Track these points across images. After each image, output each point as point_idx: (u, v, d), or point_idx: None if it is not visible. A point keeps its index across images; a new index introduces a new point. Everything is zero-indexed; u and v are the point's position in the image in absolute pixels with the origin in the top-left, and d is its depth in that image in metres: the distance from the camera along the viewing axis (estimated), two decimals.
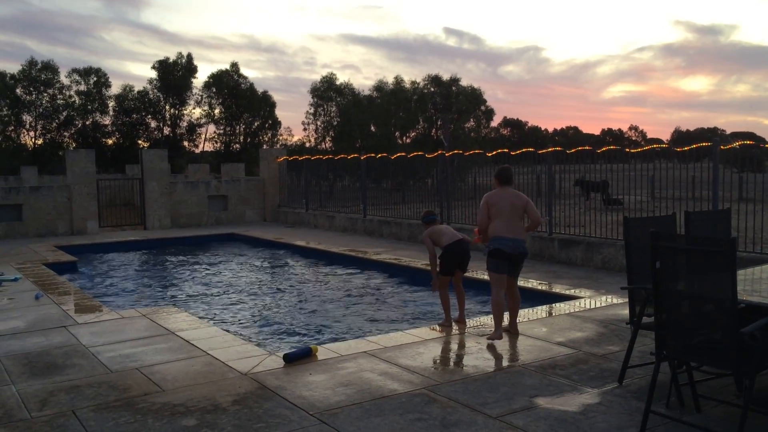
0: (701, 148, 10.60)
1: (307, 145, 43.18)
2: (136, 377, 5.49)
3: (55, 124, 43.41)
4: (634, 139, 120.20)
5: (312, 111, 42.67)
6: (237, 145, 46.08)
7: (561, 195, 13.34)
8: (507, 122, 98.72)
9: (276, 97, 62.50)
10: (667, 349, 4.27)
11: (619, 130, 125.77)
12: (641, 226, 5.36)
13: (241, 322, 8.70)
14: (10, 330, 7.19)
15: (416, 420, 4.47)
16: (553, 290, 9.01)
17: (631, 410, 4.58)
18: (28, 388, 5.27)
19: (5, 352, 6.32)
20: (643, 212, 12.52)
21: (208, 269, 13.44)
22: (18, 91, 42.12)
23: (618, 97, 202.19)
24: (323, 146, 41.91)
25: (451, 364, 5.80)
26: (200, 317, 8.23)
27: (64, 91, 43.41)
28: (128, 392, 5.12)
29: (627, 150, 12.45)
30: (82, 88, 43.85)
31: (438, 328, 7.10)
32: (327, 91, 41.84)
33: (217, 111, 46.03)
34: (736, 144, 11.14)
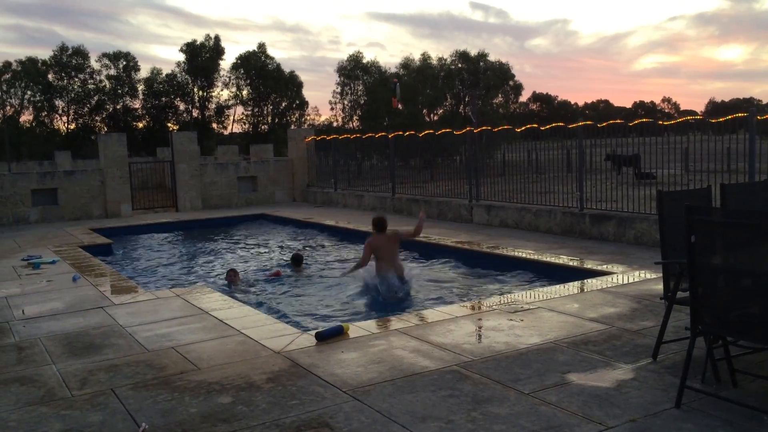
0: (737, 119, 10.34)
1: (335, 124, 43.23)
2: (173, 356, 5.59)
3: (86, 109, 44.09)
4: (667, 111, 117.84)
5: (339, 90, 42.62)
6: (265, 126, 46.32)
7: (592, 170, 13.15)
8: (536, 97, 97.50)
9: (302, 77, 62.70)
10: (703, 324, 4.21)
11: (652, 102, 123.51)
12: (675, 199, 5.26)
13: (274, 300, 8.80)
14: (49, 311, 7.38)
15: (448, 396, 4.49)
16: (585, 266, 8.92)
17: (666, 385, 4.53)
18: (69, 367, 5.41)
19: (46, 332, 6.48)
20: (677, 186, 12.30)
21: (240, 249, 13.60)
22: (50, 76, 42.79)
23: (650, 69, 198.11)
24: (351, 125, 41.89)
25: (483, 340, 5.80)
26: (233, 296, 8.33)
27: (94, 76, 44.00)
28: (165, 371, 5.23)
29: (660, 122, 12.19)
30: (112, 72, 44.38)
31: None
32: (353, 70, 41.70)
33: (244, 92, 46.27)
34: None
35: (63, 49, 43.05)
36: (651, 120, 12.35)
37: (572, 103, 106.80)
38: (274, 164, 21.61)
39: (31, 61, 42.14)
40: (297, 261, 10.92)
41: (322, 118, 47.45)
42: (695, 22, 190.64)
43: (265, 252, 13.17)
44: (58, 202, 17.67)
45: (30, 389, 4.94)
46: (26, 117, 43.39)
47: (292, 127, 42.33)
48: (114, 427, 4.20)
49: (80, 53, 43.28)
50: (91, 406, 4.57)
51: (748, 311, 4.02)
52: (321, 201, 20.25)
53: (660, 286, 6.19)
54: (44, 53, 74.11)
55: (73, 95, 43.48)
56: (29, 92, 42.52)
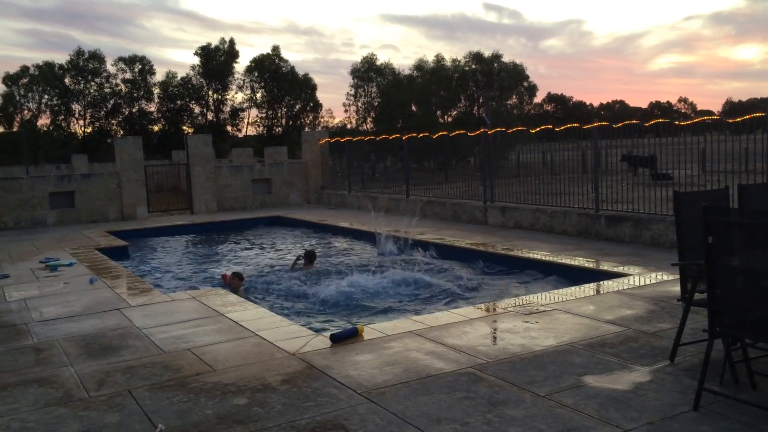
0: (754, 119, 10.24)
1: (349, 126, 43.36)
2: (188, 358, 5.62)
3: (103, 113, 44.48)
4: (683, 111, 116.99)
5: (353, 92, 42.72)
6: (279, 129, 46.50)
7: (607, 171, 13.07)
8: (551, 98, 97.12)
9: (316, 79, 62.73)
10: (721, 326, 4.17)
11: (668, 102, 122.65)
12: (692, 200, 5.21)
13: (288, 302, 8.82)
14: (67, 313, 7.44)
15: (463, 399, 4.47)
16: (601, 268, 8.86)
17: (684, 388, 4.49)
18: (86, 368, 5.45)
19: (63, 334, 6.54)
20: (694, 187, 12.19)
21: (255, 251, 13.65)
22: (67, 80, 43.22)
23: (665, 69, 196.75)
24: (364, 127, 41.99)
25: (498, 343, 5.78)
26: (248, 298, 8.37)
27: (110, 80, 44.40)
28: (181, 372, 5.26)
29: (676, 123, 12.09)
30: (128, 76, 44.76)
31: None
32: (367, 72, 41.78)
33: (259, 95, 46.49)
34: None
35: (79, 53, 43.47)
36: (667, 120, 12.24)
37: (587, 103, 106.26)
38: (288, 166, 21.68)
39: (48, 66, 42.59)
40: (310, 258, 10.97)
41: (336, 121, 47.65)
42: (711, 21, 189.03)
43: (279, 253, 13.20)
44: (75, 205, 17.83)
45: (48, 390, 4.98)
46: (44, 121, 43.90)
47: (306, 129, 42.44)
48: (131, 428, 4.23)
49: (96, 57, 43.68)
50: (108, 407, 4.60)
51: (767, 313, 3.98)
52: (335, 203, 20.28)
53: (677, 288, 6.14)
54: (61, 57, 74.96)
55: (89, 99, 43.90)
56: (46, 96, 42.96)
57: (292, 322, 6.84)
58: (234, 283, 9.51)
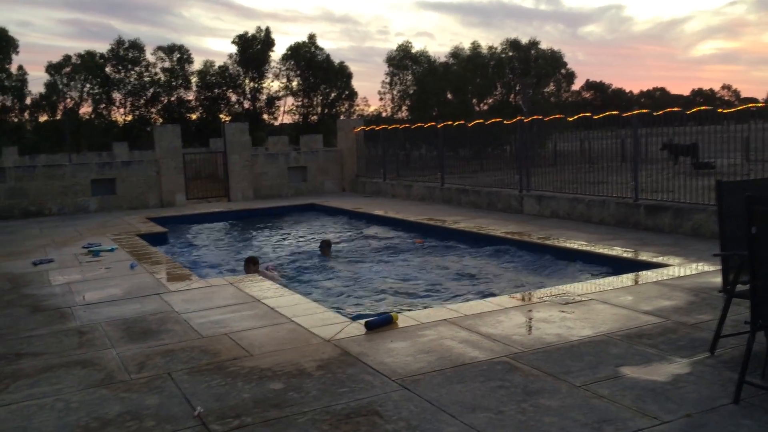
0: None
1: (384, 114, 43.26)
2: (226, 342, 5.71)
3: (142, 101, 45.22)
4: (726, 98, 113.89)
5: (388, 80, 42.59)
6: (314, 117, 46.68)
7: (647, 159, 12.83)
8: (589, 85, 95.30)
9: (351, 67, 62.70)
10: (764, 318, 4.08)
11: (711, 89, 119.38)
12: (735, 189, 5.10)
13: (323, 289, 8.89)
14: (108, 297, 7.62)
15: (498, 387, 4.46)
16: (640, 258, 8.72)
17: (724, 381, 4.41)
18: (127, 351, 5.59)
19: (105, 318, 6.70)
20: (737, 176, 11.90)
21: (290, 238, 13.77)
22: (107, 69, 44.03)
23: (708, 55, 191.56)
24: (400, 115, 41.85)
25: (533, 332, 5.75)
26: (284, 285, 8.45)
27: (150, 69, 45.07)
28: (219, 356, 5.35)
29: (719, 110, 11.79)
30: (167, 65, 45.38)
31: None
32: (403, 60, 41.59)
33: (294, 83, 46.68)
34: None
35: (120, 42, 44.23)
36: (710, 108, 11.94)
37: (627, 91, 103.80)
38: (323, 155, 21.78)
39: (90, 55, 43.43)
40: (326, 246, 11.10)
41: (371, 109, 47.60)
42: (757, 6, 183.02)
43: (309, 240, 13.30)
44: (116, 192, 18.21)
45: (91, 372, 5.12)
46: (85, 109, 44.85)
47: (342, 117, 42.49)
48: (170, 410, 4.32)
49: (136, 47, 44.39)
50: (149, 389, 4.71)
51: None
52: (370, 191, 20.32)
53: (718, 279, 6.01)
54: (102, 47, 76.22)
55: (129, 88, 44.67)
56: (88, 85, 43.85)
57: (327, 309, 6.90)
58: (250, 269, 9.43)
